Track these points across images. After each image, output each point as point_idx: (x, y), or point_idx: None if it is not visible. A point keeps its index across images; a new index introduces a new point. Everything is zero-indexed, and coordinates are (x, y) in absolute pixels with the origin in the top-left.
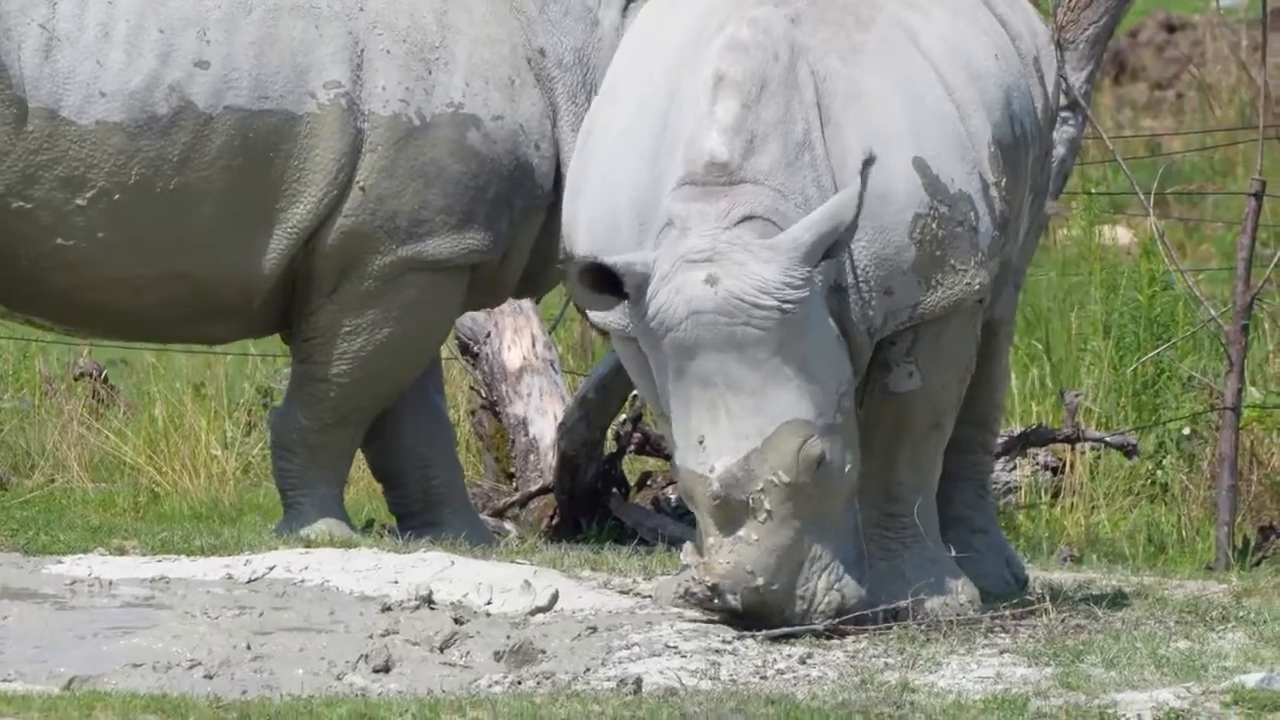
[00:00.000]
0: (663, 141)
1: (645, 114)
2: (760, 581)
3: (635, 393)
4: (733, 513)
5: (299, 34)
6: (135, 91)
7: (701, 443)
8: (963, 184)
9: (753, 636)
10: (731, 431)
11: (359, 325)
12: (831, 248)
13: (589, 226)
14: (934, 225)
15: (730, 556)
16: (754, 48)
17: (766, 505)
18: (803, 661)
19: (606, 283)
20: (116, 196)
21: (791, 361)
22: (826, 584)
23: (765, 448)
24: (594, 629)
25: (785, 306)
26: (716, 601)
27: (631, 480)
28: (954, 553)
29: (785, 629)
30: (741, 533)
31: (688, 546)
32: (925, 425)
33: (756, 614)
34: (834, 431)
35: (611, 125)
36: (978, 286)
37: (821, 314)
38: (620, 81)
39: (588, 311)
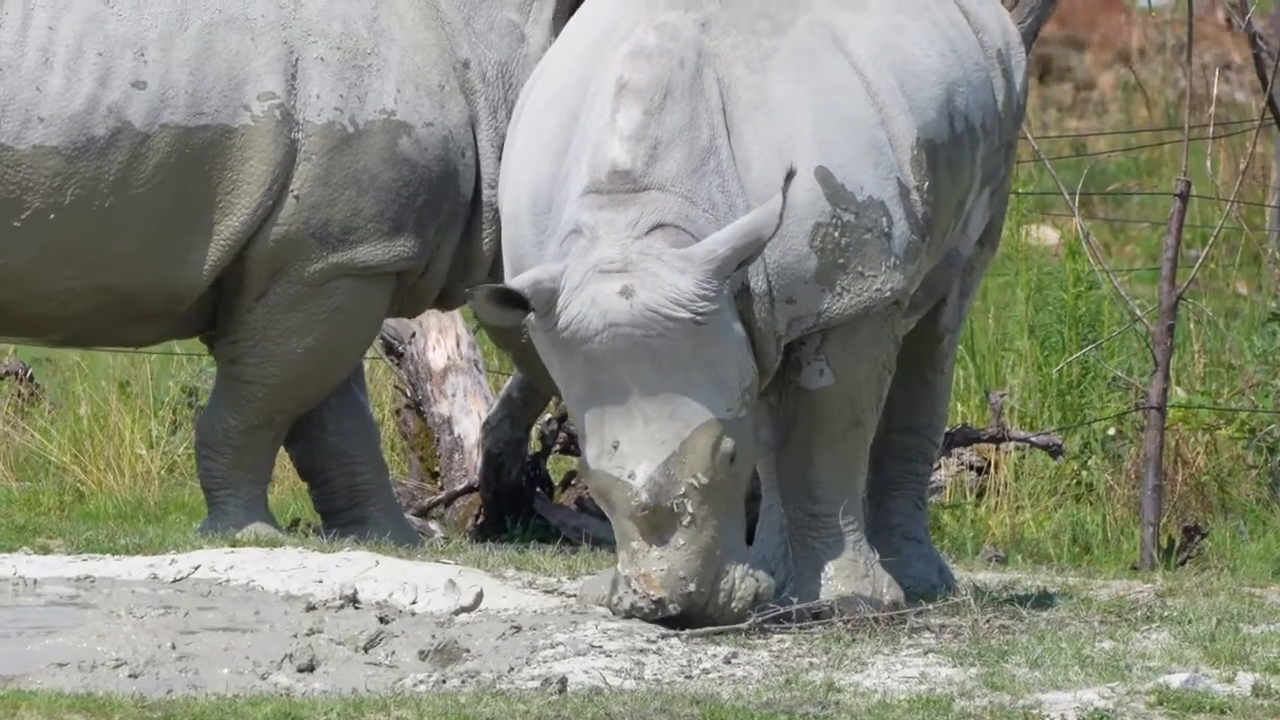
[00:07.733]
0: (572, 134)
1: (555, 104)
2: (692, 586)
3: None
4: (660, 520)
5: (235, 47)
6: (74, 115)
7: (616, 447)
8: (874, 190)
9: (677, 636)
10: (648, 437)
11: (287, 329)
12: (745, 260)
13: (504, 205)
14: (836, 234)
15: (663, 564)
16: (658, 54)
17: (689, 509)
18: (728, 661)
19: (512, 301)
20: (52, 217)
21: (703, 365)
22: (742, 572)
23: (683, 451)
24: (518, 628)
25: (699, 318)
26: (659, 614)
27: (556, 479)
28: (881, 557)
29: (713, 628)
30: (669, 538)
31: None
32: (842, 423)
33: (687, 614)
34: (740, 425)
35: (535, 108)
36: (889, 291)
37: (730, 316)
38: (548, 65)
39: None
